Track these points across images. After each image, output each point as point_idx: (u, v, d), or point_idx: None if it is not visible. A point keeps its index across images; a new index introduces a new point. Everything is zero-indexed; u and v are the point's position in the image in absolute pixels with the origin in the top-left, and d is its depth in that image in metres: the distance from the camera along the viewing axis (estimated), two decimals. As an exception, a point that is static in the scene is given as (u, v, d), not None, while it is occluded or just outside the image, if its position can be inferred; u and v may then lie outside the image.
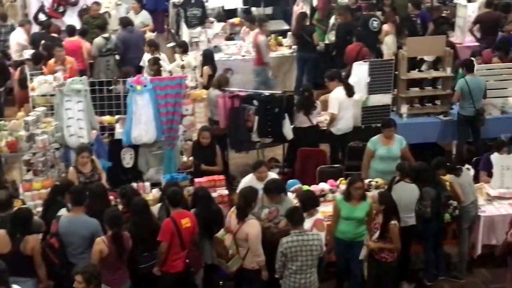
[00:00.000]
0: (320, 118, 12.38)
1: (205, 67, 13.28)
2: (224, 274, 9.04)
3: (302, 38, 15.61)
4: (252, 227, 8.52)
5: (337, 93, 12.02)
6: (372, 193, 9.64)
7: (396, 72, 12.56)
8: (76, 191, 8.66)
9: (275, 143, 12.41)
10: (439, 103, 13.00)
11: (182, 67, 11.72)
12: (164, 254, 8.39)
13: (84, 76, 11.27)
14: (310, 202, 8.92)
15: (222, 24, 17.25)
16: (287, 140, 11.99)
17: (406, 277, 9.73)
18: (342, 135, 12.11)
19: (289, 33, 16.53)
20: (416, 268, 10.03)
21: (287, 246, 8.18)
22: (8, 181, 11.18)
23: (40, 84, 11.11)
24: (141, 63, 14.01)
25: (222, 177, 10.25)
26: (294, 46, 16.09)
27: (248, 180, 9.58)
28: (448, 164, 10.05)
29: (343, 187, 10.27)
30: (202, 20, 16.73)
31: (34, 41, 14.97)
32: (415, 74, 12.95)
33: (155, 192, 9.94)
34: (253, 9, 18.74)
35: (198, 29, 16.27)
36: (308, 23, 16.05)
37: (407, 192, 9.35)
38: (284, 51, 16.27)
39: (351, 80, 12.35)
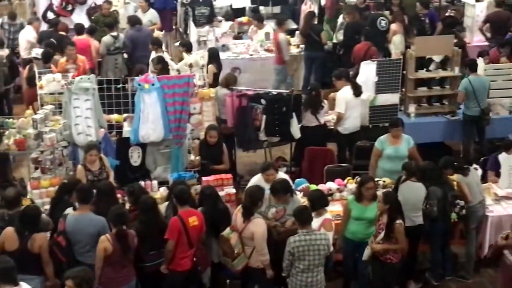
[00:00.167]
0: (328, 117, 12.37)
1: (210, 66, 13.28)
2: (231, 273, 9.05)
3: (310, 37, 15.60)
4: (258, 226, 8.52)
5: (344, 93, 12.02)
6: (379, 193, 9.61)
7: (404, 72, 12.54)
8: (83, 189, 8.68)
9: (283, 142, 12.40)
10: (447, 102, 12.98)
11: (190, 65, 11.72)
12: (171, 252, 8.40)
13: (92, 75, 11.27)
14: (319, 201, 8.91)
15: (230, 23, 17.24)
16: (294, 139, 11.98)
17: (413, 277, 9.72)
18: (350, 135, 12.10)
19: (297, 32, 16.52)
20: (423, 268, 10.02)
21: (294, 246, 8.18)
22: (16, 179, 11.23)
23: (49, 82, 11.12)
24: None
25: (229, 175, 10.25)
26: (302, 45, 16.08)
27: (256, 180, 9.57)
28: (455, 163, 10.03)
29: (350, 186, 10.28)
30: (210, 19, 16.74)
31: (42, 39, 15.01)
32: (423, 73, 12.94)
33: (163, 191, 9.95)
34: (261, 8, 18.72)
35: (206, 28, 16.28)
36: (316, 22, 16.04)
37: (413, 191, 9.34)
38: (292, 50, 16.23)
39: (359, 79, 12.35)
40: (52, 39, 14.44)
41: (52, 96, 11.17)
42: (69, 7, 17.34)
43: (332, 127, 12.29)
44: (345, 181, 10.50)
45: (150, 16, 16.58)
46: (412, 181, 9.43)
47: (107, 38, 14.80)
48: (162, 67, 12.58)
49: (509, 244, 7.90)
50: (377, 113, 12.36)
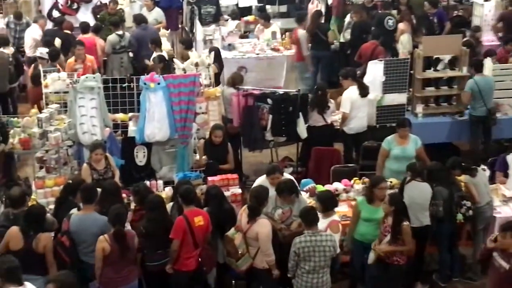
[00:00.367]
0: (335, 117, 12.36)
1: (212, 65, 13.25)
2: (236, 274, 9.04)
3: (316, 36, 15.59)
4: (263, 227, 8.51)
5: (350, 92, 12.01)
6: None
7: (412, 71, 12.52)
8: (87, 188, 8.68)
9: (289, 142, 12.39)
10: (455, 102, 12.95)
11: (196, 64, 11.70)
12: (176, 252, 8.40)
13: (97, 73, 11.28)
14: (330, 202, 8.88)
15: (236, 22, 17.24)
16: (301, 139, 11.97)
17: (420, 279, 9.70)
18: (356, 135, 12.09)
19: (293, 31, 16.50)
20: (430, 269, 10.00)
21: (300, 246, 8.16)
22: (21, 178, 11.24)
23: (54, 81, 11.13)
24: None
25: (235, 175, 10.25)
26: (308, 44, 16.06)
27: (261, 182, 9.51)
28: (463, 164, 10.00)
29: (357, 187, 10.27)
30: (216, 18, 16.74)
31: (47, 37, 14.98)
32: (430, 73, 12.91)
33: (168, 190, 9.96)
34: (268, 6, 18.73)
35: (212, 26, 16.28)
36: (323, 21, 16.03)
37: (419, 191, 9.32)
38: (299, 49, 16.22)
39: (366, 79, 12.34)
40: (50, 38, 14.42)
41: (57, 95, 11.18)
42: (75, 6, 17.36)
43: (339, 127, 12.27)
44: (352, 181, 10.48)
45: (155, 15, 16.60)
46: (417, 181, 9.41)
47: (112, 37, 14.82)
48: (164, 66, 12.57)
49: (498, 246, 7.87)
50: (384, 113, 12.34)
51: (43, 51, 13.41)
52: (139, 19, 15.51)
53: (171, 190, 9.83)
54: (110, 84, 11.29)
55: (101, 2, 17.28)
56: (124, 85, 11.57)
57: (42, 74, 11.52)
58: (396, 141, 10.65)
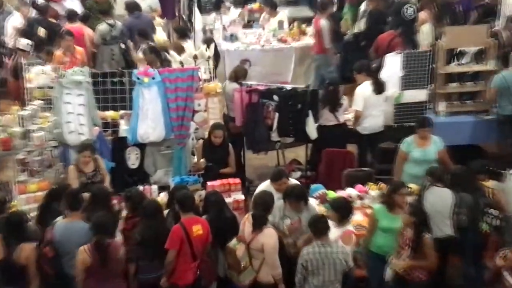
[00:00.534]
0: (348, 116, 12.37)
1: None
2: (239, 288, 9.07)
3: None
4: (269, 237, 8.51)
5: (363, 88, 12.04)
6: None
7: (433, 65, 12.52)
8: (72, 194, 8.71)
9: (297, 143, 12.42)
10: (481, 100, 12.94)
11: (195, 57, 11.73)
12: (172, 264, 8.43)
13: (86, 67, 11.30)
14: (346, 211, 8.88)
15: (239, 9, 17.29)
16: (310, 139, 11.99)
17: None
18: (372, 135, 12.12)
19: (314, 20, 16.52)
20: (454, 284, 9.99)
21: (307, 258, 8.18)
22: (0, 182, 11.27)
23: (37, 75, 11.17)
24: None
25: (237, 180, 10.26)
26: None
27: (266, 187, 9.54)
28: (489, 168, 10.00)
29: (372, 193, 10.29)
30: (217, 5, 16.78)
31: (30, 26, 15.00)
32: (454, 67, 12.90)
33: (163, 196, 9.98)
34: (274, -7, 18.73)
35: (213, 15, 16.33)
36: (335, 10, 16.06)
37: (440, 198, 9.32)
38: (308, 40, 16.25)
39: (382, 74, 12.34)
40: (29, 28, 14.44)
41: (41, 91, 11.22)
42: (61, -8, 17.38)
43: (352, 127, 12.29)
44: (367, 187, 10.50)
45: (150, 2, 16.64)
46: (439, 187, 9.42)
47: (102, 27, 14.84)
48: (156, 58, 12.61)
49: (508, 264, 7.88)
50: (402, 111, 12.35)
51: (23, 42, 13.43)
52: (132, 7, 15.52)
53: (166, 195, 9.84)
54: (100, 79, 11.29)
55: (90, -11, 17.30)
56: (115, 79, 11.59)
57: (24, 67, 11.54)
58: (416, 143, 10.66)
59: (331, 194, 10.16)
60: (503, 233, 9.71)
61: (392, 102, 12.30)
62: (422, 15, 15.08)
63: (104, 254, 8.06)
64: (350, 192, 10.38)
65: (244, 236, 8.68)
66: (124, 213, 9.37)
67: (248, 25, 17.21)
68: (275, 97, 11.78)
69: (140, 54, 13.72)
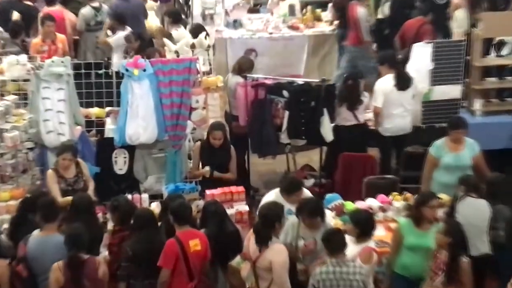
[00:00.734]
0: (369, 115, 12.40)
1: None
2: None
3: (345, 11, 15.62)
4: (278, 254, 8.49)
5: (384, 82, 12.09)
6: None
7: (468, 57, 12.53)
8: (47, 204, 8.69)
9: (310, 146, 12.43)
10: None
11: (192, 46, 11.74)
12: (166, 285, 8.42)
13: (67, 57, 11.32)
14: (368, 225, 8.83)
15: (244, -9, 17.32)
16: (325, 142, 12.00)
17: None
18: (396, 138, 12.13)
19: (330, 4, 16.55)
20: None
21: (320, 278, 8.16)
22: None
23: (11, 66, 11.17)
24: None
25: (241, 188, 10.26)
26: (336, 22, 16.10)
27: (274, 198, 9.48)
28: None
29: (397, 204, 10.28)
30: (218, -14, 16.81)
31: (3, 10, 15.04)
32: (492, 59, 12.92)
33: (155, 207, 9.99)
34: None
35: (214, -3, 16.35)
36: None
37: (475, 210, 9.31)
38: (323, 27, 16.29)
39: (409, 67, 12.34)
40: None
41: (15, 84, 11.22)
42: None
43: (374, 128, 12.31)
44: (390, 197, 10.50)
45: (141, -18, 16.67)
46: (473, 197, 9.42)
47: (86, 10, 14.87)
48: (142, 46, 12.63)
49: None
50: (432, 110, 12.37)
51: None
52: (120, -13, 15.57)
53: (159, 206, 9.86)
54: (83, 71, 11.34)
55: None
56: (100, 71, 11.61)
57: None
58: (448, 147, 10.66)
59: (349, 206, 10.16)
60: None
61: (420, 99, 12.30)
62: (456, -1, 15.12)
63: (78, 272, 8.05)
64: (371, 203, 10.38)
65: (250, 253, 8.67)
66: (110, 225, 9.39)
67: (255, 9, 17.24)
68: (285, 93, 11.79)
69: (110, 39, 13.80)
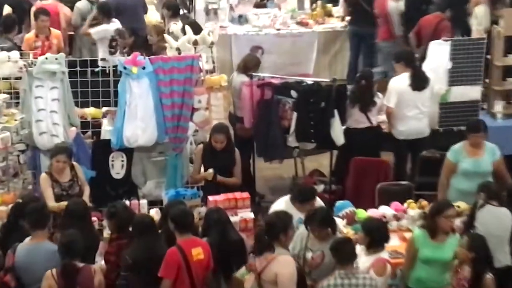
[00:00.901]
0: (383, 117, 12.39)
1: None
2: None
3: (358, 7, 15.64)
4: (284, 266, 8.45)
5: (398, 81, 12.11)
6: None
7: (489, 56, 12.51)
8: (36, 210, 8.67)
9: (320, 150, 12.43)
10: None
11: (195, 43, 11.74)
12: (167, 296, 8.45)
13: (61, 54, 11.33)
14: (380, 234, 8.81)
15: (250, -15, 17.34)
16: (336, 146, 11.99)
17: None
18: (411, 141, 12.13)
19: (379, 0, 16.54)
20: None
21: (326, 292, 8.17)
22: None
23: (2, 63, 11.19)
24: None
25: (245, 194, 10.25)
26: (347, 18, 16.10)
27: (285, 207, 9.43)
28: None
29: (412, 212, 10.26)
30: (222, -21, 16.83)
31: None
32: (514, 59, 12.94)
33: (155, 213, 9.98)
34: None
35: (218, -9, 16.37)
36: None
37: (496, 219, 9.30)
38: (335, 23, 16.30)
39: (426, 66, 12.34)
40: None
41: (6, 82, 11.24)
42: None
43: (388, 130, 12.30)
44: (405, 205, 10.49)
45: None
46: (494, 205, 9.40)
47: (82, 4, 14.92)
48: (136, 42, 12.64)
49: None
50: (450, 112, 12.36)
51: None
52: (118, -20, 15.60)
53: (158, 212, 9.87)
54: (78, 68, 11.35)
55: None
56: (96, 69, 11.64)
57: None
58: (466, 151, 10.65)
59: (361, 214, 10.15)
60: None
61: (437, 100, 12.29)
62: (476, -6, 15.12)
63: (73, 281, 8.06)
64: (384, 211, 10.36)
65: (255, 264, 8.65)
66: (106, 233, 9.40)
67: (261, 3, 17.27)
68: (293, 93, 11.79)
69: (92, 30, 13.85)
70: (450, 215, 8.89)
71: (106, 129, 11.08)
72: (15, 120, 10.74)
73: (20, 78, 10.92)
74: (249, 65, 12.45)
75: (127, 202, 10.02)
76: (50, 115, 10.57)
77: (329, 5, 16.73)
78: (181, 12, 15.92)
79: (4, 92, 11.11)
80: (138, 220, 8.78)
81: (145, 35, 14.35)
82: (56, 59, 10.68)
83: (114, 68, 11.17)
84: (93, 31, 14.06)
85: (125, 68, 10.59)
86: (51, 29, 13.77)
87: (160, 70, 10.65)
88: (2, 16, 13.73)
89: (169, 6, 14.68)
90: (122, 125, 10.62)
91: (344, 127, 11.94)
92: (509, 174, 10.68)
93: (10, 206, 9.57)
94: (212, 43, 11.99)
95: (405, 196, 10.84)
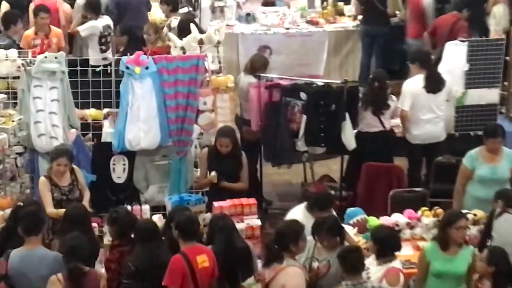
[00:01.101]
0: (396, 120, 12.40)
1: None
2: None
3: (371, 5, 15.65)
4: (292, 277, 8.45)
5: (412, 83, 12.12)
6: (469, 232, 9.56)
7: (507, 58, 12.52)
8: (30, 214, 8.67)
9: (330, 155, 12.44)
10: None
11: (201, 42, 11.77)
12: (171, 305, 8.47)
13: (61, 52, 11.35)
14: (390, 243, 8.79)
15: (258, -19, 17.37)
16: (347, 150, 12.00)
17: None
18: (426, 146, 12.13)
19: (353, -2, 16.62)
20: None
21: (333, 303, 8.18)
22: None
23: (-1, 62, 11.24)
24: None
25: (252, 200, 10.25)
26: (359, 17, 16.12)
27: (302, 218, 9.35)
28: None
29: (426, 220, 10.25)
30: (229, -25, 16.87)
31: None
32: (534, 60, 12.95)
33: (158, 219, 9.99)
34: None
35: (224, -12, 16.41)
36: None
37: (514, 227, 9.34)
38: (346, 23, 16.32)
39: (442, 67, 12.34)
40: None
41: (4, 82, 11.27)
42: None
43: (401, 135, 12.30)
44: (419, 212, 10.49)
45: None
46: (511, 214, 9.40)
47: (83, 1, 14.89)
48: (131, 41, 12.65)
49: None
50: (466, 116, 12.37)
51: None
52: (121, -24, 15.63)
53: (161, 219, 9.88)
54: (79, 68, 11.37)
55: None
56: (98, 69, 11.66)
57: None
58: (483, 157, 10.65)
59: (373, 221, 10.15)
60: None
61: (453, 104, 12.30)
62: (495, -7, 15.13)
63: (80, 284, 8.08)
64: (397, 218, 10.35)
65: (264, 274, 8.65)
66: (107, 239, 9.42)
67: (270, 2, 17.26)
68: (303, 95, 11.80)
69: (80, 27, 13.91)
70: (461, 226, 8.81)
71: (107, 131, 11.09)
72: (13, 121, 10.74)
73: (18, 77, 10.93)
74: (257, 66, 12.45)
75: (129, 208, 10.03)
76: (49, 116, 10.59)
77: (341, 4, 16.76)
78: (186, 9, 16.03)
79: (1, 92, 11.14)
80: (141, 226, 8.78)
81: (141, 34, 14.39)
82: (56, 58, 10.70)
83: (116, 68, 11.17)
84: (80, 28, 14.12)
85: (127, 67, 10.61)
86: (51, 27, 13.78)
87: (164, 70, 10.68)
88: (2, 13, 13.75)
89: (167, 1, 14.68)
90: (124, 127, 10.65)
91: (355, 131, 11.94)
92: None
93: (6, 210, 9.58)
94: (219, 42, 12.01)
95: (419, 204, 10.83)
